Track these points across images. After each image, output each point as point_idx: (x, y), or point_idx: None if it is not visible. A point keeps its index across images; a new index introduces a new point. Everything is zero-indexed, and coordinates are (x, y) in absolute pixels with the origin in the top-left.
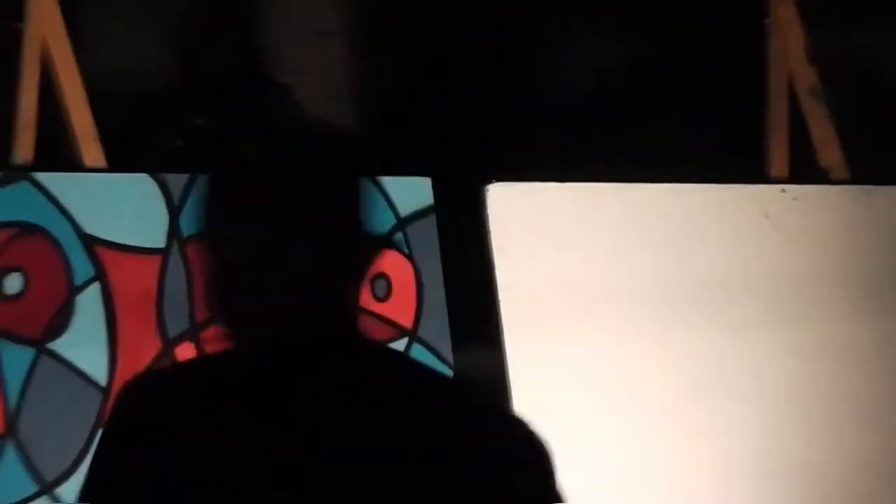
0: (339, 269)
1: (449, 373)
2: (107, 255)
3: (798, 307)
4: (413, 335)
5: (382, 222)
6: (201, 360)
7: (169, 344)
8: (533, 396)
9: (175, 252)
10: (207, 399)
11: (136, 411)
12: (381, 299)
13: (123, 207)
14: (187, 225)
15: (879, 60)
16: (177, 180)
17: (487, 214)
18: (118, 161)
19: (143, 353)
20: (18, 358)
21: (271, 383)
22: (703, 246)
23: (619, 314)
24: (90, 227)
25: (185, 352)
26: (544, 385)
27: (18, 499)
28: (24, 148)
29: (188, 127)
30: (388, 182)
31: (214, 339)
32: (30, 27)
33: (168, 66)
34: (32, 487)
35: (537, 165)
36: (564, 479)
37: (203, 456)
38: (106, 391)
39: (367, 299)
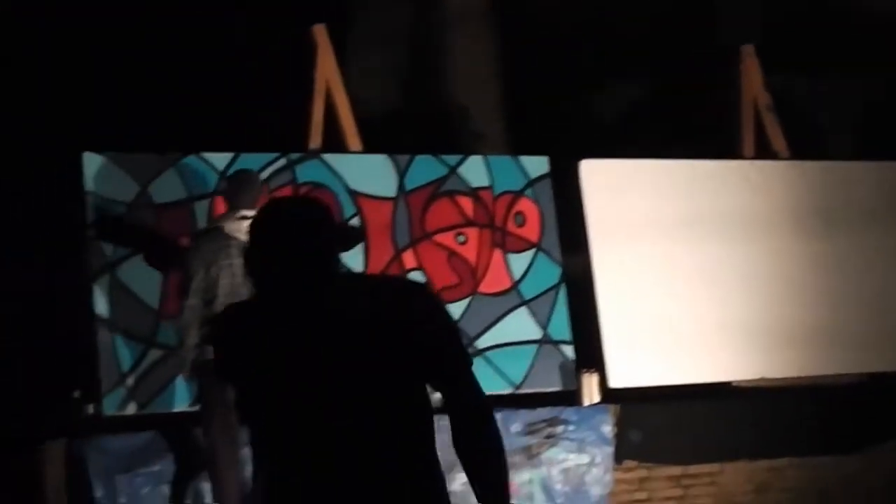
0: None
1: (559, 270)
2: (363, 201)
3: (768, 231)
4: (538, 247)
5: (519, 182)
6: (254, 298)
7: (398, 251)
8: (611, 285)
9: (401, 199)
10: (254, 317)
11: (222, 322)
12: (520, 226)
13: (371, 173)
14: (408, 183)
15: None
16: (402, 158)
17: (581, 179)
18: (369, 147)
19: (383, 256)
20: None
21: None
22: (724, 199)
23: (680, 237)
24: (353, 185)
25: (408, 256)
26: (621, 278)
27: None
28: (315, 139)
29: (408, 129)
30: (523, 159)
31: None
32: (319, 72)
33: (397, 93)
34: None
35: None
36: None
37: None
38: None
39: (511, 225)
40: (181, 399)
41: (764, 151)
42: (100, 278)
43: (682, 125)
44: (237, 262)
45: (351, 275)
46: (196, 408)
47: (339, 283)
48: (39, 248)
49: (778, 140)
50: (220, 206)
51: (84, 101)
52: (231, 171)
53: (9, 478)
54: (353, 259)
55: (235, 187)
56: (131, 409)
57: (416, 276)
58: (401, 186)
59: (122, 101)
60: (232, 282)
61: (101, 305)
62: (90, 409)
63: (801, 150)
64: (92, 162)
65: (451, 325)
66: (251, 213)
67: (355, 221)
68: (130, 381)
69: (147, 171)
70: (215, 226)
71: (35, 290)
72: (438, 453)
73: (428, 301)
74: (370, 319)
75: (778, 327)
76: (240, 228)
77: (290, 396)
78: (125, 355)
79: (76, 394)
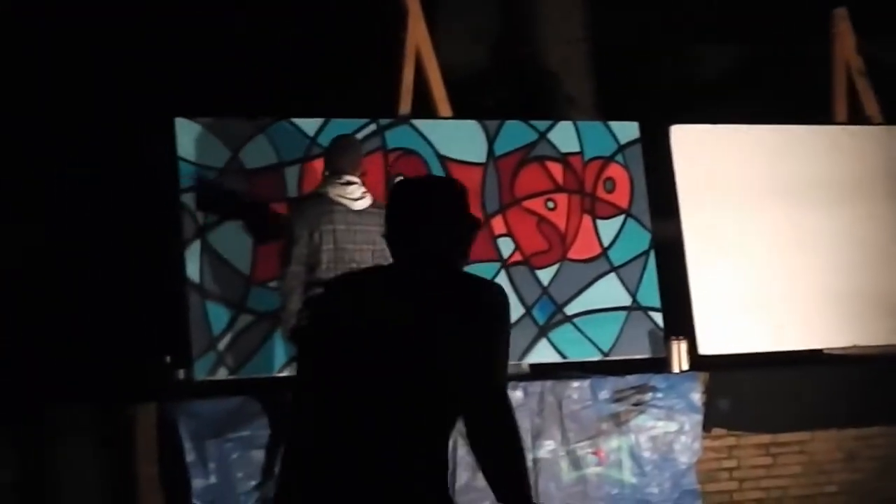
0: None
1: (648, 236)
2: (452, 167)
3: (860, 197)
4: (628, 213)
5: (609, 148)
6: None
7: (487, 217)
8: (700, 252)
9: (491, 164)
10: (351, 292)
11: (321, 297)
12: (609, 192)
13: (461, 139)
14: (498, 149)
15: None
16: (492, 124)
17: (671, 144)
18: (458, 112)
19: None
20: None
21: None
22: (816, 165)
23: (762, 204)
24: (443, 151)
25: (497, 222)
26: (710, 245)
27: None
28: (404, 105)
29: (497, 94)
30: (613, 124)
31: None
32: (409, 36)
33: (486, 58)
34: None
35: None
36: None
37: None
38: None
39: (601, 191)
40: (271, 364)
41: (856, 116)
42: (191, 244)
43: (773, 90)
44: (340, 227)
45: (451, 270)
46: (287, 373)
47: (436, 277)
48: (131, 214)
49: (870, 104)
50: (313, 171)
51: (176, 67)
52: (321, 136)
53: (101, 441)
54: None
55: (337, 153)
56: (221, 373)
57: (505, 241)
58: (490, 152)
59: (214, 67)
60: (335, 247)
61: (192, 271)
62: (181, 373)
63: (893, 114)
64: (184, 128)
65: (499, 353)
66: (354, 177)
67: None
68: (221, 346)
69: (238, 137)
70: (319, 191)
71: (127, 255)
72: None
73: (493, 324)
74: (440, 322)
75: (870, 294)
76: (343, 193)
77: (348, 373)
78: (216, 320)
79: (167, 358)
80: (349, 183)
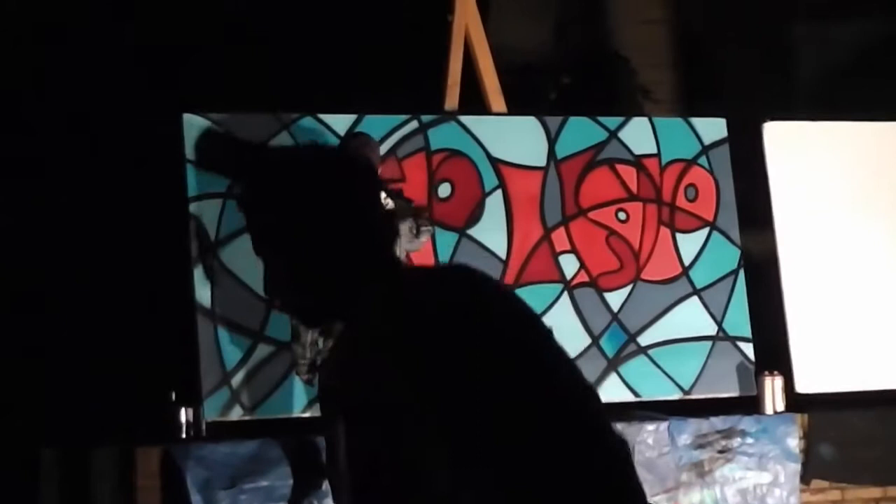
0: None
1: (737, 252)
2: (506, 171)
3: None
4: (713, 225)
5: (691, 149)
6: None
7: (547, 231)
8: (799, 271)
9: (552, 168)
10: None
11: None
12: (691, 201)
13: (517, 138)
14: (560, 150)
15: None
16: (553, 121)
17: (765, 144)
18: (514, 107)
19: (529, 237)
20: (447, 239)
21: None
22: None
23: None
24: (495, 152)
25: (559, 236)
26: (811, 263)
27: None
28: (451, 99)
29: (559, 86)
30: (695, 121)
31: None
32: (457, 18)
33: (546, 46)
34: None
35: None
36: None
37: None
38: (505, 263)
39: (681, 200)
40: (295, 402)
41: None
42: (201, 262)
43: (887, 79)
44: None
45: None
46: (311, 413)
47: None
48: (132, 227)
49: None
50: None
51: (182, 55)
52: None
53: (96, 489)
54: (495, 239)
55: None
56: (235, 413)
57: (569, 259)
58: (551, 154)
59: (226, 54)
60: None
61: (202, 293)
62: (188, 413)
63: None
64: (193, 125)
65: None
66: None
67: (498, 194)
68: (235, 381)
69: (256, 136)
70: None
71: (126, 274)
72: None
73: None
74: None
75: None
76: None
77: None
78: (230, 351)
79: (172, 395)
80: None
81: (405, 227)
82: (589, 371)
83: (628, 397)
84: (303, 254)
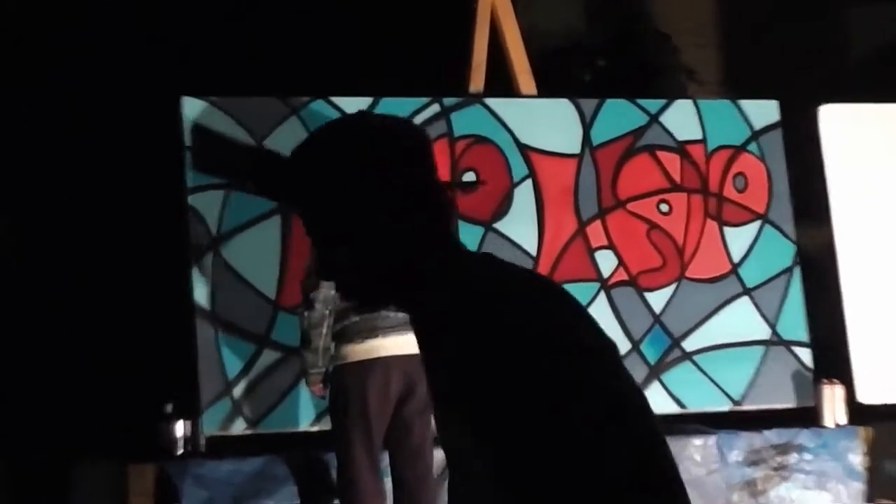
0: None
1: (792, 248)
2: (537, 159)
3: None
4: (765, 218)
5: (740, 134)
6: None
7: (582, 225)
8: (860, 269)
9: (587, 155)
10: None
11: None
12: (741, 191)
13: (549, 123)
14: (596, 136)
15: None
16: (588, 104)
17: (821, 129)
18: (545, 89)
19: (563, 231)
20: (472, 234)
21: None
22: None
23: None
24: (525, 138)
25: (595, 230)
26: (866, 253)
27: None
28: (476, 81)
29: (594, 66)
30: (745, 104)
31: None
32: None
33: (580, 22)
34: None
35: (861, 91)
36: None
37: None
38: (536, 259)
39: (729, 190)
40: (303, 415)
41: None
42: (201, 259)
43: None
44: None
45: None
46: (320, 427)
47: None
48: (124, 221)
49: None
50: None
51: (182, 34)
52: None
53: None
54: (525, 233)
55: None
56: (238, 427)
57: (606, 255)
58: (586, 140)
59: (230, 33)
60: None
61: (201, 293)
62: (186, 426)
63: None
64: (193, 109)
65: None
66: None
67: (528, 184)
68: (237, 391)
69: (264, 121)
70: None
71: (118, 273)
72: None
73: None
74: None
75: None
76: None
77: None
78: (231, 358)
79: (168, 407)
80: None
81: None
82: None
83: (672, 408)
84: (358, 233)
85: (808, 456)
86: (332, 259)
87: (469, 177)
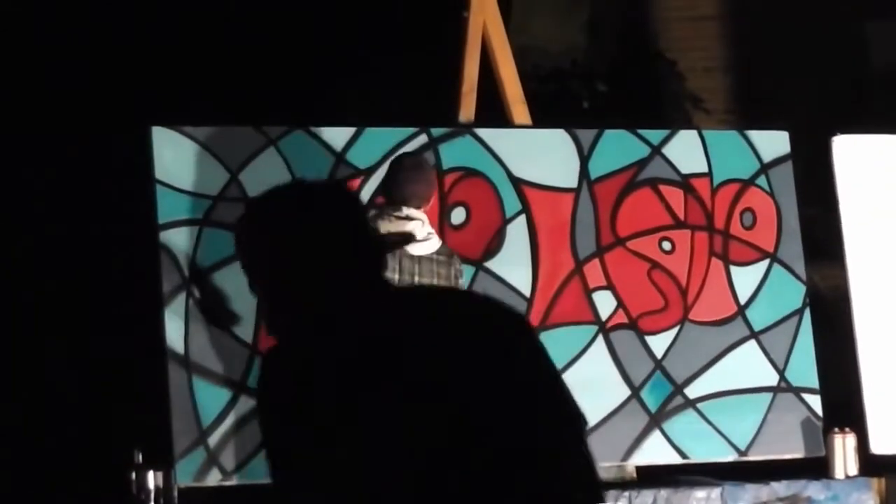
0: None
1: (802, 289)
2: (531, 193)
3: None
4: (774, 257)
5: (748, 167)
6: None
7: (579, 263)
8: (875, 312)
9: (585, 190)
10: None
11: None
12: (748, 228)
13: (544, 155)
14: (594, 169)
15: None
16: (586, 134)
17: (834, 162)
18: (540, 118)
19: (558, 271)
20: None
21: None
22: None
23: None
24: (518, 171)
25: (593, 270)
26: (881, 296)
27: None
28: (466, 109)
29: (594, 92)
30: (753, 134)
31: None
32: (473, 15)
33: (578, 44)
34: None
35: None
36: None
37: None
38: (530, 301)
39: (736, 227)
40: None
41: None
42: (173, 299)
43: None
44: (392, 277)
45: None
46: None
47: None
48: (93, 258)
49: None
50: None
51: (153, 61)
52: (352, 152)
53: None
54: (518, 273)
55: (401, 177)
56: (213, 478)
57: (604, 296)
58: (584, 173)
59: (203, 58)
60: None
61: (174, 336)
62: (157, 477)
63: None
64: (163, 140)
65: None
66: (417, 212)
67: (521, 220)
68: (213, 440)
69: (239, 153)
70: None
71: (84, 314)
72: None
73: None
74: None
75: None
76: (400, 231)
77: None
78: (207, 405)
79: (138, 456)
80: (409, 218)
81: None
82: (628, 427)
83: (675, 459)
84: (295, 282)
85: None
86: (277, 314)
87: (459, 212)
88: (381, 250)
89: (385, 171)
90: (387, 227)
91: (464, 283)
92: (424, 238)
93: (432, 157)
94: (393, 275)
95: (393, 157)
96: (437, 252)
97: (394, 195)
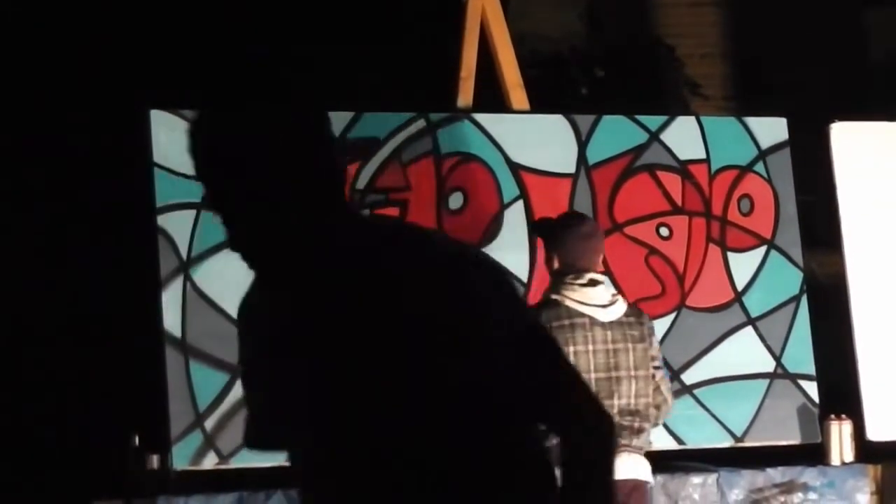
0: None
1: (800, 275)
2: (529, 179)
3: None
4: (771, 243)
5: (746, 153)
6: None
7: None
8: (872, 298)
9: (583, 175)
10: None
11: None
12: (746, 214)
13: (542, 141)
14: (592, 154)
15: None
16: (584, 120)
17: (832, 148)
18: (538, 103)
19: None
20: None
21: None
22: None
23: None
24: (516, 157)
25: None
26: (878, 282)
27: None
28: (465, 95)
29: (593, 78)
30: (751, 121)
31: None
32: (471, 1)
33: (576, 31)
34: None
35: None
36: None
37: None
38: (528, 285)
39: (734, 213)
40: None
41: None
42: (170, 283)
43: None
44: (582, 349)
45: None
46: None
47: None
48: (89, 242)
49: None
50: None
51: (151, 45)
52: (352, 134)
53: None
54: (516, 258)
55: (573, 240)
56: (210, 461)
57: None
58: (582, 158)
59: (201, 44)
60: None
61: (171, 320)
62: (154, 460)
63: None
64: (162, 123)
65: None
66: (599, 275)
67: (519, 205)
68: (210, 423)
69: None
70: (550, 296)
71: (82, 297)
72: None
73: None
74: None
75: None
76: (586, 299)
77: None
78: (203, 389)
79: (136, 439)
80: (594, 283)
81: None
82: None
83: (671, 445)
84: (259, 204)
85: (813, 495)
86: (241, 232)
87: (456, 197)
88: (341, 168)
89: (553, 236)
90: (574, 294)
91: (657, 341)
92: (612, 301)
93: (430, 142)
94: (586, 345)
95: (560, 221)
96: (626, 314)
97: (571, 259)
